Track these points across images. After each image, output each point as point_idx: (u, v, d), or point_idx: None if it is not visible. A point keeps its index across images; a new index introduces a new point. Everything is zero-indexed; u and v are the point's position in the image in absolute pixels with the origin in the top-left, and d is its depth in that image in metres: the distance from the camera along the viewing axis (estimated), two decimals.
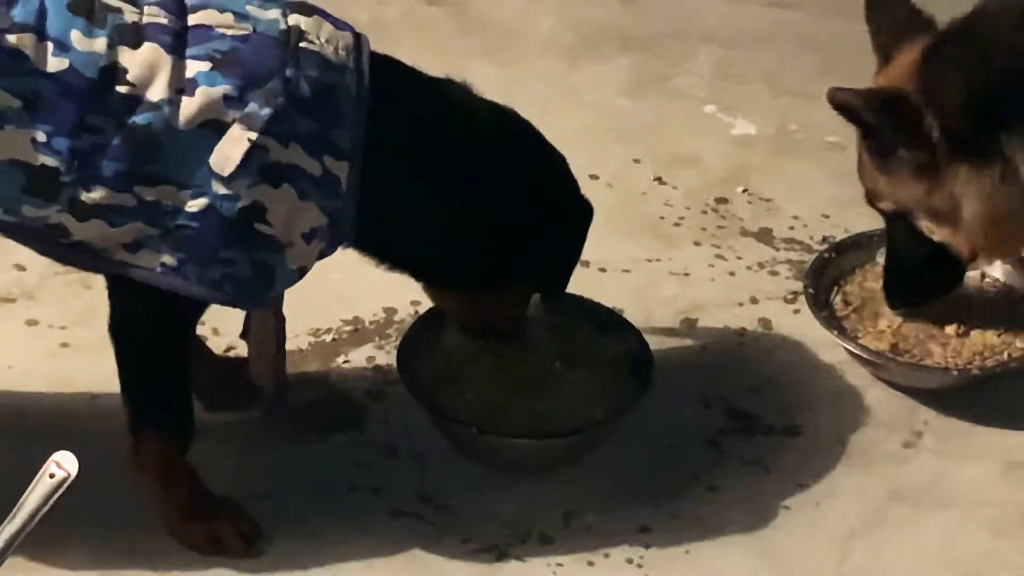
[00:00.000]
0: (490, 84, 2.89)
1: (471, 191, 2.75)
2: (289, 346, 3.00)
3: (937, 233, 2.96)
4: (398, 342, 3.03)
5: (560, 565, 2.76)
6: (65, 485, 2.16)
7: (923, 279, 3.10)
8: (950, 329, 3.17)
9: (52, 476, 2.17)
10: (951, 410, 3.07)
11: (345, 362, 3.13)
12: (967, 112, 2.84)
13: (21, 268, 3.13)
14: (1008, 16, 2.89)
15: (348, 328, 3.18)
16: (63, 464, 2.18)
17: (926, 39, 2.97)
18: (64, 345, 3.03)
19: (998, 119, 2.84)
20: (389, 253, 2.81)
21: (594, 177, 3.28)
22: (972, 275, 3.24)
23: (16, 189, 2.43)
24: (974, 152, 2.87)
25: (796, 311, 3.24)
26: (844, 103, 2.84)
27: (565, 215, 2.87)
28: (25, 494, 2.19)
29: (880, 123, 2.85)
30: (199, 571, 2.76)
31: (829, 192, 3.37)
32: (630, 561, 2.78)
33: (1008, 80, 2.83)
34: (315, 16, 2.60)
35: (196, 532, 2.73)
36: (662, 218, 3.43)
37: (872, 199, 3.03)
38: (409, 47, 2.81)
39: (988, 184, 2.89)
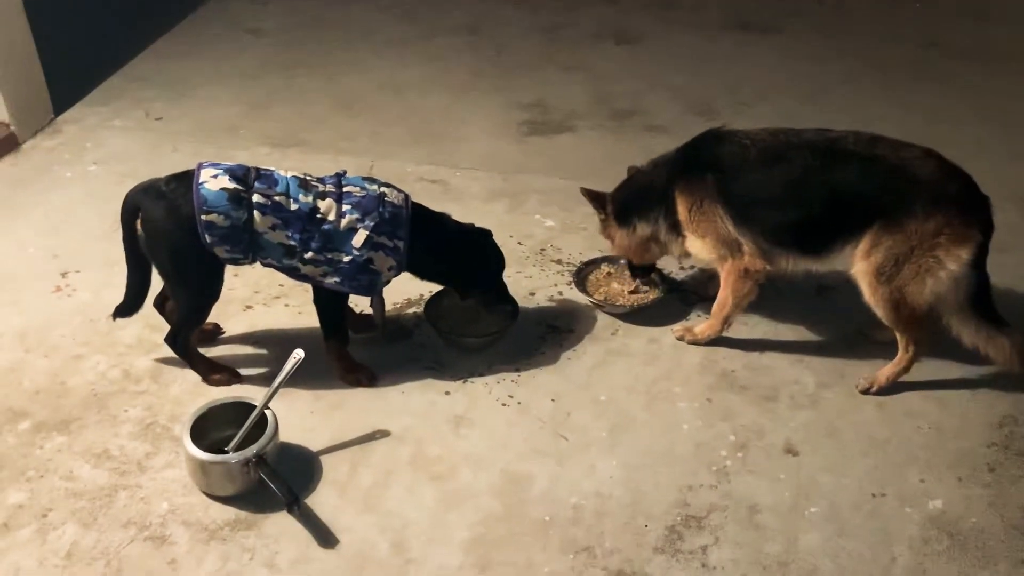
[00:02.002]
0: (455, 212, 2.97)
1: (451, 254, 2.83)
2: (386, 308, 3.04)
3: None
4: (424, 304, 3.03)
5: (486, 383, 2.86)
6: (298, 363, 2.38)
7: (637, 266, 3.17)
8: (628, 292, 3.23)
9: (294, 359, 2.36)
10: (629, 321, 3.11)
11: (406, 313, 3.12)
12: (622, 209, 2.99)
13: (282, 285, 3.10)
14: (641, 171, 3.03)
15: (406, 302, 3.15)
16: (298, 354, 2.38)
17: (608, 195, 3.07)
18: (300, 313, 3.01)
19: (632, 210, 2.98)
20: (422, 275, 2.88)
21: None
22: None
23: (281, 253, 2.56)
24: (621, 221, 3.01)
25: (571, 289, 3.22)
26: (589, 198, 3.04)
27: (495, 261, 2.95)
28: (283, 367, 2.35)
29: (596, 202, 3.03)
30: (350, 391, 2.79)
31: (582, 246, 3.39)
32: (513, 381, 2.86)
33: (635, 198, 2.98)
34: (391, 187, 2.72)
35: (351, 378, 2.83)
36: (520, 257, 3.38)
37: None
38: (424, 199, 2.83)
39: (624, 231, 3.02)
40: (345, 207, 2.53)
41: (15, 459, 2.52)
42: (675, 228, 2.86)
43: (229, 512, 2.38)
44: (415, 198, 2.83)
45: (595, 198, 3.03)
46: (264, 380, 2.67)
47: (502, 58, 5.14)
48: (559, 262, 3.42)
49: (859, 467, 2.57)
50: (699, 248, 2.85)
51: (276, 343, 2.91)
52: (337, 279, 2.59)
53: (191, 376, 2.82)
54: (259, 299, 3.16)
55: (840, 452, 2.62)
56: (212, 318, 2.96)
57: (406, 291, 3.11)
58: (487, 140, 4.32)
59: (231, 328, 3.01)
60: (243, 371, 2.86)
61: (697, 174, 2.78)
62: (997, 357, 2.68)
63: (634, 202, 2.94)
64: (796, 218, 2.69)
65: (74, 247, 3.43)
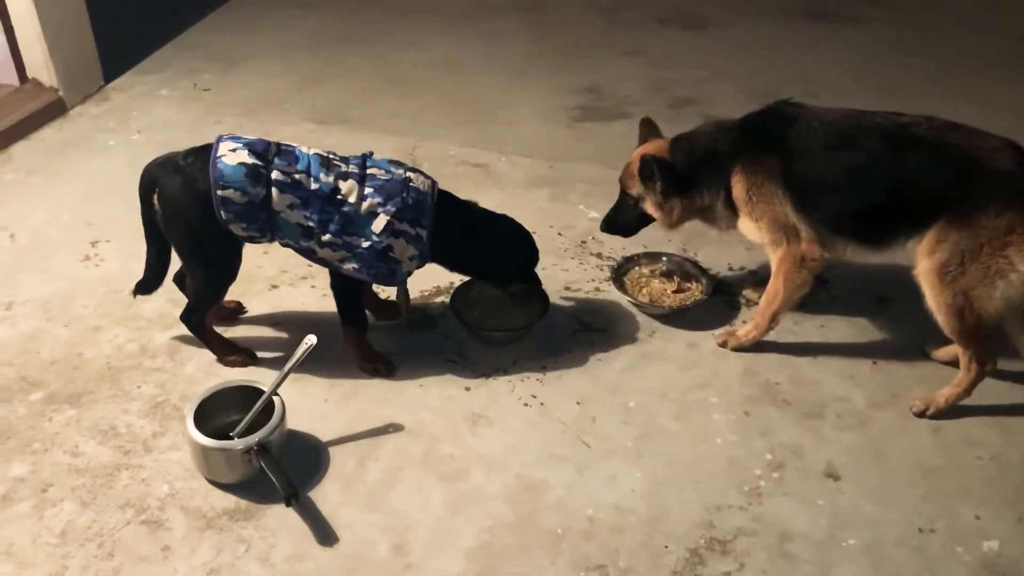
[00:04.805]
0: (495, 199, 2.94)
1: (478, 244, 2.70)
2: (412, 295, 2.92)
3: (654, 213, 2.83)
4: (452, 293, 2.94)
5: (509, 380, 2.76)
6: (310, 349, 2.27)
7: (624, 225, 2.94)
8: (671, 292, 3.09)
9: (305, 345, 2.26)
10: (668, 323, 2.98)
11: (432, 302, 3.02)
12: (682, 172, 2.74)
13: (310, 266, 2.84)
14: (705, 133, 2.80)
15: (434, 289, 3.06)
16: (309, 340, 2.27)
17: (663, 139, 2.85)
18: (325, 295, 2.83)
19: (694, 178, 2.75)
20: (447, 265, 2.75)
21: (535, 232, 3.12)
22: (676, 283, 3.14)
23: (299, 234, 2.46)
24: (683, 189, 2.76)
25: (609, 285, 3.09)
26: (648, 160, 2.71)
27: (526, 252, 2.80)
28: (294, 352, 2.25)
29: (650, 168, 2.71)
30: (367, 380, 2.71)
31: (625, 240, 3.12)
32: (538, 380, 2.75)
33: (698, 162, 2.73)
34: (417, 172, 2.60)
35: (368, 367, 2.74)
36: (558, 248, 3.29)
37: (627, 190, 2.86)
38: (464, 184, 2.79)
39: (685, 203, 2.78)
40: (367, 190, 2.44)
41: (23, 430, 2.48)
42: (732, 204, 2.69)
43: (230, 500, 2.29)
44: (456, 182, 2.77)
45: (661, 161, 2.73)
46: (281, 363, 2.55)
47: (560, 39, 4.98)
48: (599, 256, 3.28)
49: (907, 498, 2.37)
50: (752, 230, 2.68)
51: (298, 326, 2.84)
52: (355, 265, 2.49)
53: (207, 355, 2.76)
54: (286, 279, 3.10)
55: (887, 480, 2.43)
56: (236, 296, 2.93)
57: (434, 279, 3.00)
58: (536, 124, 4.17)
59: (254, 307, 2.95)
60: (261, 353, 2.78)
61: (761, 153, 2.61)
62: None
63: (697, 170, 2.73)
64: (859, 206, 2.53)
65: (108, 216, 3.41)
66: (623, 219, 2.91)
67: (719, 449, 2.52)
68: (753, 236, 2.72)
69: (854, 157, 2.51)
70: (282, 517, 2.28)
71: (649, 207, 2.80)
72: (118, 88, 4.37)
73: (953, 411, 2.62)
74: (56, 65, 4.03)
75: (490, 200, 3.41)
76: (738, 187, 2.66)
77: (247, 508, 2.30)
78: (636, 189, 2.81)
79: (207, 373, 2.71)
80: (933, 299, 2.49)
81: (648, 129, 2.94)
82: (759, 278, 3.14)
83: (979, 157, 2.39)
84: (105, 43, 4.33)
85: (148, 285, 2.71)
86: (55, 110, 4.06)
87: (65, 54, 4.07)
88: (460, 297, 2.91)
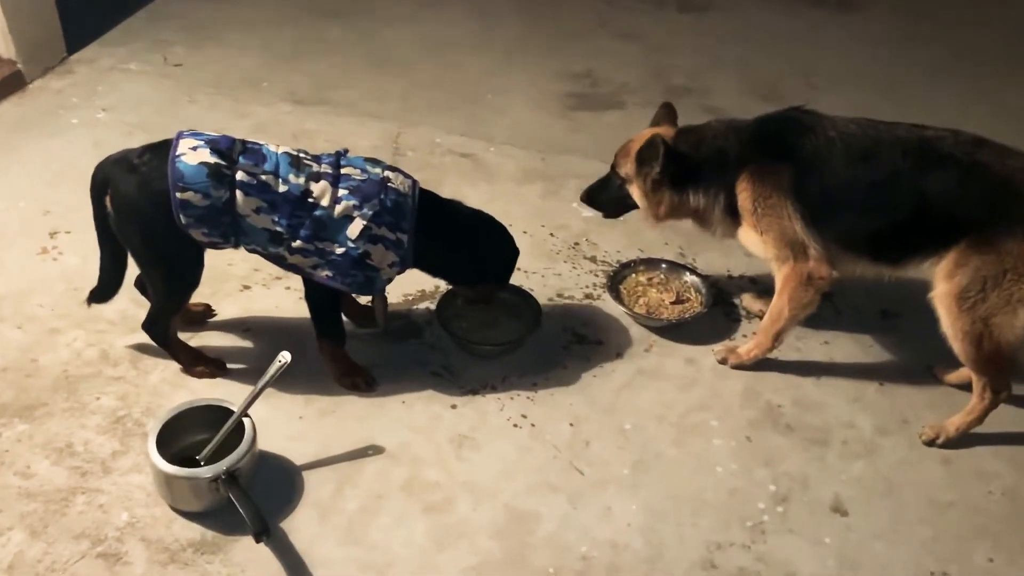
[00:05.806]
0: (483, 193, 2.73)
1: (461, 245, 2.53)
2: (391, 301, 2.74)
3: (639, 200, 2.65)
4: (438, 301, 2.78)
5: (498, 398, 2.61)
6: (283, 367, 2.10)
7: (606, 202, 2.78)
8: (669, 303, 2.92)
9: (279, 363, 2.09)
10: (665, 336, 2.85)
11: (416, 308, 2.87)
12: (684, 166, 2.54)
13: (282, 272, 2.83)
14: (714, 131, 2.58)
15: (419, 294, 2.90)
16: (283, 357, 2.11)
17: (675, 127, 2.66)
18: (301, 298, 2.57)
19: (694, 176, 2.55)
20: (428, 270, 2.58)
21: (525, 232, 3.08)
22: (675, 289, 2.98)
23: (266, 240, 2.28)
24: (677, 184, 2.56)
25: (604, 293, 2.95)
26: (657, 141, 2.50)
27: (505, 253, 2.64)
28: (267, 370, 2.09)
29: (656, 151, 2.51)
30: (345, 396, 2.55)
31: (620, 243, 3.10)
32: (529, 398, 2.62)
33: (702, 160, 2.54)
34: (396, 172, 2.42)
35: (347, 381, 2.58)
36: (550, 250, 3.12)
37: (616, 167, 2.68)
38: (451, 176, 2.61)
39: (675, 200, 2.59)
40: (341, 191, 2.26)
41: None
42: (732, 212, 2.51)
43: (195, 531, 2.13)
44: (442, 173, 2.59)
45: (665, 144, 2.51)
46: (253, 375, 2.40)
47: (553, 18, 4.76)
48: (593, 260, 3.11)
49: (916, 536, 2.26)
50: (755, 243, 2.52)
51: (272, 332, 2.68)
52: (329, 272, 2.31)
53: (173, 364, 2.56)
54: (258, 278, 2.91)
55: (896, 516, 2.32)
56: (205, 297, 2.74)
57: (419, 282, 2.82)
58: (528, 112, 3.97)
59: (224, 310, 2.78)
60: (231, 363, 2.59)
61: (773, 163, 2.44)
62: None
63: (700, 168, 2.54)
64: (876, 224, 2.41)
65: (68, 204, 3.16)
66: (603, 197, 2.76)
67: (720, 479, 2.38)
68: (756, 249, 2.56)
69: (874, 172, 2.37)
70: (252, 551, 2.11)
71: (635, 192, 2.62)
72: (82, 60, 4.10)
73: (964, 440, 2.50)
74: (14, 34, 3.75)
75: (479, 194, 3.23)
76: (744, 196, 2.50)
77: (214, 540, 2.13)
78: (626, 169, 2.63)
79: (172, 384, 2.52)
80: (949, 325, 2.36)
81: (666, 114, 2.71)
82: (761, 287, 3.01)
83: (1007, 177, 2.27)
84: (68, 10, 4.05)
85: (103, 293, 2.51)
86: (13, 84, 3.79)
87: (24, 22, 3.78)
88: (447, 306, 2.78)
